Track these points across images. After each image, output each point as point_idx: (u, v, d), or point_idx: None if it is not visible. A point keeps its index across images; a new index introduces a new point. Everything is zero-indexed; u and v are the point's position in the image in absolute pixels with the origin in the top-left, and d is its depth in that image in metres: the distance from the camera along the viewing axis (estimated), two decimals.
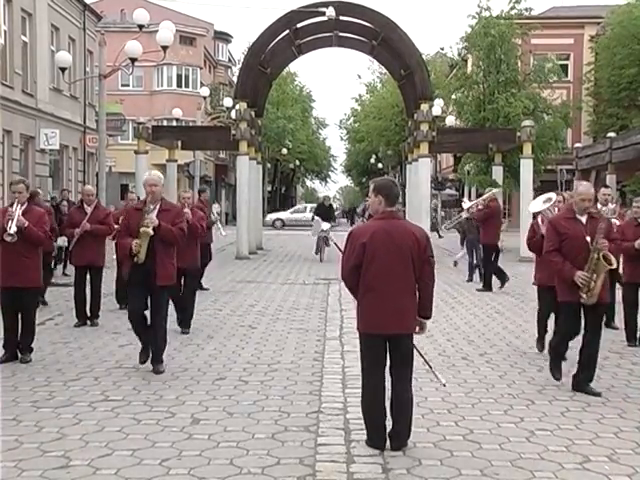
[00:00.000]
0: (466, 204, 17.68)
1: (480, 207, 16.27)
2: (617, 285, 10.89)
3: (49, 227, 9.35)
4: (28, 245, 8.67)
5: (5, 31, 23.46)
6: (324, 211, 24.57)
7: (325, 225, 16.37)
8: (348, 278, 6.00)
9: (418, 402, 6.93)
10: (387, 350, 5.88)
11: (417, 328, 6.00)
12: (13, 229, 8.45)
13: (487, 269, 16.07)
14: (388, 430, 5.85)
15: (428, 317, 6.04)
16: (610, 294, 11.18)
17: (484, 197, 16.85)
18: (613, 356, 9.41)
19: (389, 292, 5.78)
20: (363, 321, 5.93)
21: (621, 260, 10.51)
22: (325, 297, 14.69)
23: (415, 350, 6.10)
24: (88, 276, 11.48)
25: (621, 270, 10.20)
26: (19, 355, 8.82)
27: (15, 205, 8.66)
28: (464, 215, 17.56)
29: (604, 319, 10.92)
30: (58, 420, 6.53)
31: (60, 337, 10.43)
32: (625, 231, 9.99)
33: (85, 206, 11.58)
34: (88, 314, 11.38)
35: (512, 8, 31.37)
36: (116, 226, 12.52)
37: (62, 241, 12.70)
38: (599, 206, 11.39)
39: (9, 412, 6.72)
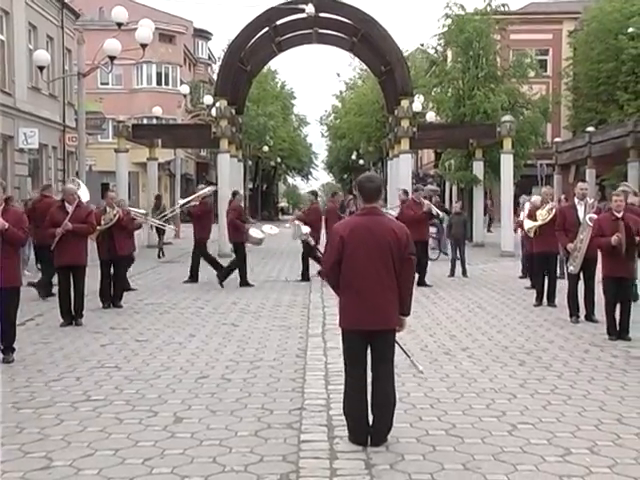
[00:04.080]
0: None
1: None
2: (597, 279, 11.00)
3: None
4: (7, 246, 8.61)
5: None
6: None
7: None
8: (330, 274, 5.99)
9: (401, 397, 6.94)
10: (367, 345, 5.89)
11: (398, 326, 5.97)
12: None
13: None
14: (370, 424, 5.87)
15: (407, 314, 6.02)
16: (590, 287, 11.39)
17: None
18: (594, 349, 9.47)
19: (368, 288, 5.76)
20: (343, 317, 5.94)
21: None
22: (307, 294, 14.69)
23: (399, 347, 6.12)
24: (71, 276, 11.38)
25: (599, 265, 10.41)
26: (0, 356, 8.79)
27: None
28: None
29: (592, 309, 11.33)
30: (39, 421, 6.49)
31: (41, 337, 10.37)
32: (602, 225, 10.04)
33: (67, 205, 11.49)
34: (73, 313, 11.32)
35: (488, 4, 31.54)
36: (98, 227, 12.51)
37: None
38: (576, 200, 11.65)
39: None
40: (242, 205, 17.18)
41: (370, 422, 5.84)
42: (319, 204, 19.69)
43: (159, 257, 23.67)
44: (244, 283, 16.11)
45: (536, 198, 15.37)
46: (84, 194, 13.73)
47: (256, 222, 17.58)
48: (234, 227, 16.22)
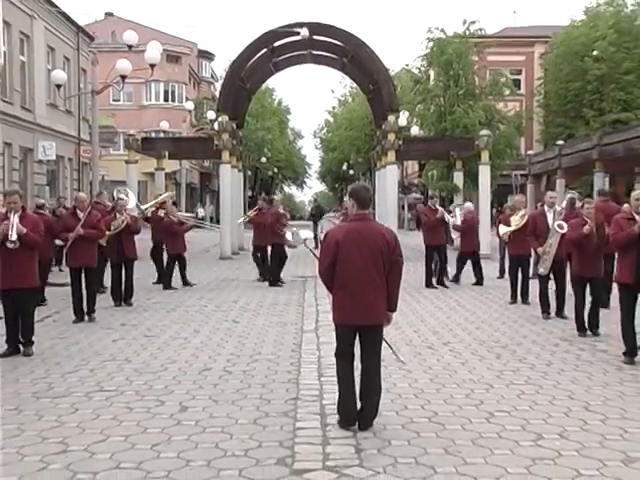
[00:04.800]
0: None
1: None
2: (568, 279, 11.02)
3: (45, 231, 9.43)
4: (26, 249, 8.64)
5: (5, 52, 23.30)
6: (319, 211, 30.52)
7: (304, 234, 16.30)
8: (324, 274, 6.01)
9: (388, 388, 6.96)
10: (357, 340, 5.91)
11: (385, 320, 6.02)
12: (14, 237, 8.44)
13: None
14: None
15: (393, 310, 6.06)
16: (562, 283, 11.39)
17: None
18: (563, 343, 9.48)
19: (360, 287, 5.79)
20: (336, 313, 5.97)
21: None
22: (302, 293, 14.67)
23: (384, 342, 6.14)
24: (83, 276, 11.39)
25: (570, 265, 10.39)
26: (21, 349, 8.79)
27: (12, 215, 8.59)
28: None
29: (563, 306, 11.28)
30: (57, 409, 6.48)
31: (58, 333, 10.35)
32: (575, 229, 10.02)
33: (78, 212, 11.48)
34: (85, 310, 11.32)
35: (467, 29, 31.73)
36: (108, 232, 12.47)
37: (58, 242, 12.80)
38: (546, 208, 11.68)
39: (11, 402, 6.68)
40: (280, 211, 17.10)
41: (358, 409, 5.86)
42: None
43: None
44: (274, 283, 16.04)
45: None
46: (132, 201, 15.14)
47: (292, 227, 17.42)
48: (272, 231, 16.05)
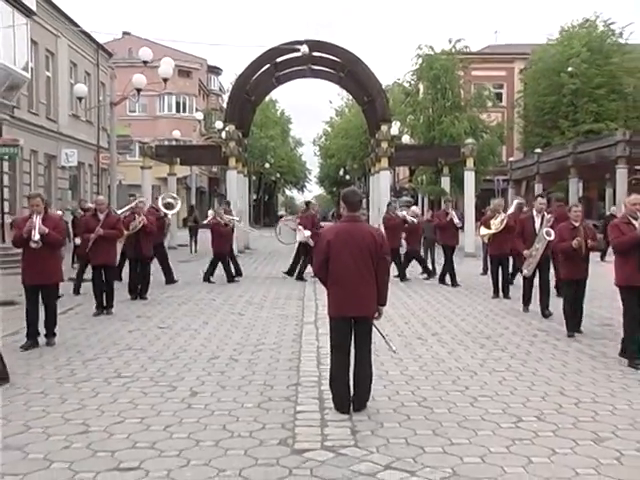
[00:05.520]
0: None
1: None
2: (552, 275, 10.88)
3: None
4: (49, 248, 8.60)
5: (32, 68, 23.29)
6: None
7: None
8: (319, 270, 6.07)
9: (380, 375, 6.98)
10: (351, 330, 5.91)
11: (376, 314, 6.02)
12: (37, 237, 8.40)
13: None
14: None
15: (384, 304, 6.06)
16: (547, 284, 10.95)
17: None
18: (541, 334, 9.49)
19: (351, 282, 5.82)
20: (331, 307, 5.98)
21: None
22: (302, 288, 14.67)
23: (373, 326, 6.12)
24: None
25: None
26: (39, 342, 8.70)
27: (35, 216, 8.53)
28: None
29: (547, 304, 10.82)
30: (78, 393, 6.48)
31: (79, 324, 10.35)
32: (562, 233, 9.39)
33: (98, 214, 11.46)
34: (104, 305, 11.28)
35: (453, 46, 31.78)
36: (126, 231, 12.47)
37: (77, 241, 12.94)
38: (534, 212, 11.20)
39: (37, 387, 6.71)
40: (314, 214, 16.99)
41: (352, 393, 5.88)
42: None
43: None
44: (299, 277, 16.06)
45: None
46: (178, 206, 16.47)
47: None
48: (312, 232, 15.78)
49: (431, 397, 6.34)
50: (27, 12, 21.64)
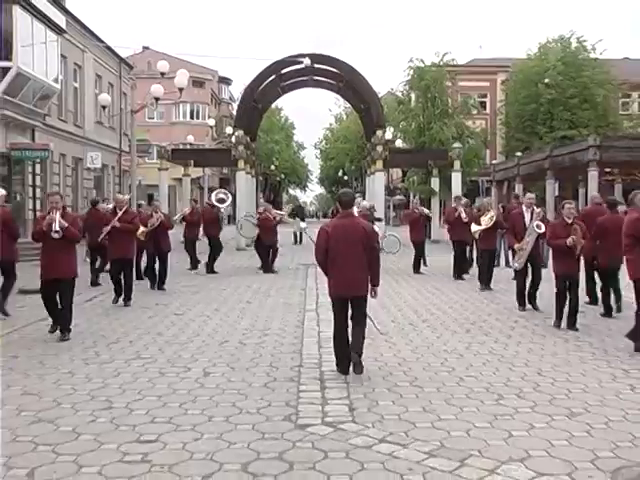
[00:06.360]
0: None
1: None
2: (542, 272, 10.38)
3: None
4: (67, 243, 8.24)
5: (61, 79, 23.31)
6: (300, 210, 29.96)
7: (303, 224, 16.31)
8: (319, 258, 6.52)
9: (375, 357, 7.00)
10: (348, 308, 6.43)
11: (372, 293, 6.50)
12: (58, 227, 8.08)
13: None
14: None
15: (377, 285, 6.52)
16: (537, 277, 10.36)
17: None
18: (521, 320, 9.47)
19: (347, 268, 6.30)
20: (331, 290, 6.49)
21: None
22: (305, 278, 14.66)
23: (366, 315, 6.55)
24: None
25: (550, 265, 9.14)
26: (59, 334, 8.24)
27: (54, 212, 8.21)
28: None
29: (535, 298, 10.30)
30: (102, 373, 6.49)
31: (103, 311, 10.36)
32: (556, 230, 8.80)
33: (117, 211, 11.32)
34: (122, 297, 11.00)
35: (441, 59, 31.74)
36: (142, 228, 12.31)
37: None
38: (524, 208, 10.64)
39: (65, 367, 6.72)
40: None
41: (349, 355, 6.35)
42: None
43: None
44: (269, 270, 15.95)
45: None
46: (229, 200, 17.11)
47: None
48: None
49: (421, 377, 6.35)
50: (58, 30, 21.78)
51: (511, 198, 24.01)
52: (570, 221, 8.79)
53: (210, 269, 15.84)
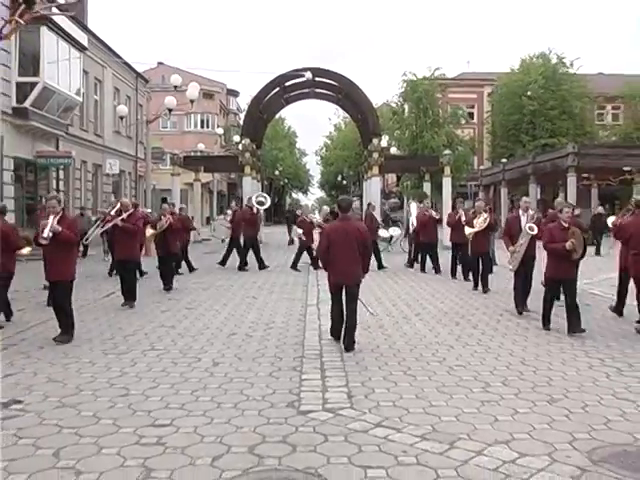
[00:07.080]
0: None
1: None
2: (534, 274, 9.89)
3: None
4: (61, 246, 7.59)
5: (83, 93, 23.39)
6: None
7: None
8: (322, 255, 7.40)
9: (372, 349, 7.01)
10: (343, 293, 7.18)
11: (362, 278, 7.32)
12: (45, 234, 7.49)
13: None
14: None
15: (367, 272, 7.40)
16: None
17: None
18: (506, 314, 9.45)
19: (344, 262, 7.09)
20: (330, 280, 7.31)
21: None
22: (306, 276, 14.65)
23: (359, 301, 7.33)
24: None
25: (543, 268, 8.50)
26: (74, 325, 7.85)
27: (51, 217, 7.69)
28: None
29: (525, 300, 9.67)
30: (120, 362, 6.51)
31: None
32: (554, 233, 8.19)
33: (123, 213, 11.07)
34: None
35: (432, 73, 31.77)
36: (152, 230, 12.20)
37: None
38: (520, 211, 10.17)
39: (86, 357, 6.74)
40: (373, 213, 16.67)
41: (343, 334, 7.08)
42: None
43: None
44: (380, 266, 15.59)
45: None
46: (268, 202, 17.10)
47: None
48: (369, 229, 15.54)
49: (414, 367, 6.35)
50: (80, 48, 21.96)
51: (497, 200, 23.94)
52: (567, 225, 8.22)
53: (262, 265, 15.82)
